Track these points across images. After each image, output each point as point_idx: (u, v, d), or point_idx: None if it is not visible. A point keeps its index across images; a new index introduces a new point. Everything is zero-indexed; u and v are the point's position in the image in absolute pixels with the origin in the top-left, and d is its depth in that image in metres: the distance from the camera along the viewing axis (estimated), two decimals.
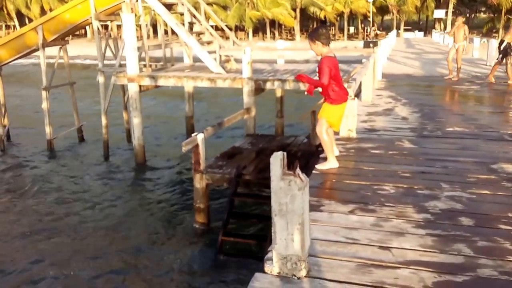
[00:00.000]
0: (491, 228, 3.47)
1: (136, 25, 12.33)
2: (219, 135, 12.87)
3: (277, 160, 2.57)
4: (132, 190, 10.93)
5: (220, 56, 13.60)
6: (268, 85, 11.27)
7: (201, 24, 14.97)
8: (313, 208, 3.71)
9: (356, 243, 3.22)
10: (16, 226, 8.93)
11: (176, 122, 17.03)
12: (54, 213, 9.55)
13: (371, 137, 6.30)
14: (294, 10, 52.95)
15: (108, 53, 13.88)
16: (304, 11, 54.01)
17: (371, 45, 27.94)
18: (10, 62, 14.59)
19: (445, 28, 49.63)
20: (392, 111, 8.19)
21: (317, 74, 4.83)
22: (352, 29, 62.71)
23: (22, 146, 14.82)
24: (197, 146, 7.80)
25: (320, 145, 5.15)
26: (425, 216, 3.69)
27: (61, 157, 13.59)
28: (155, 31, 43.57)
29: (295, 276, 2.73)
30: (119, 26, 14.56)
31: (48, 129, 13.60)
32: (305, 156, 8.62)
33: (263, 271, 2.81)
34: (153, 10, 13.10)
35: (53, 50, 14.29)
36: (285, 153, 2.61)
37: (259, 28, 57.69)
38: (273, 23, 55.48)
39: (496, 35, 46.56)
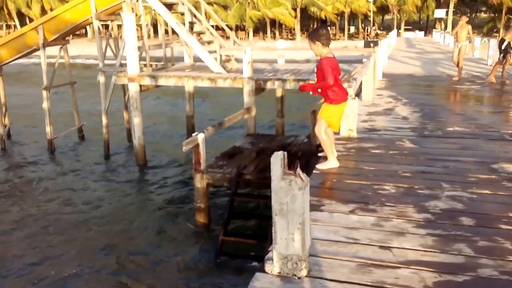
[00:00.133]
0: (492, 228, 3.47)
1: (136, 24, 12.32)
2: (220, 134, 12.87)
3: (277, 160, 2.57)
4: (133, 189, 10.94)
5: (221, 55, 13.60)
6: (269, 85, 11.27)
7: (201, 24, 14.97)
8: (314, 207, 3.71)
9: (357, 243, 3.22)
10: (16, 226, 8.93)
11: (176, 121, 17.03)
12: (54, 212, 9.55)
13: (372, 136, 6.30)
14: (295, 9, 52.94)
15: (109, 53, 13.89)
16: (304, 11, 54.00)
17: (371, 44, 27.95)
18: (11, 61, 14.59)
19: (445, 27, 49.62)
20: (392, 111, 8.19)
21: (315, 74, 4.83)
22: (352, 29, 62.67)
23: (22, 145, 14.83)
24: (197, 145, 7.80)
25: (320, 144, 5.15)
26: (425, 216, 3.69)
27: (62, 156, 13.60)
28: (156, 31, 43.55)
29: (295, 276, 2.73)
30: (119, 26, 14.56)
31: (48, 129, 13.60)
32: (305, 155, 8.61)
33: (263, 271, 2.81)
34: (154, 10, 13.10)
35: (53, 50, 14.30)
36: (285, 153, 2.60)
37: (260, 27, 57.68)
38: (273, 22, 55.47)
39: (497, 35, 46.52)
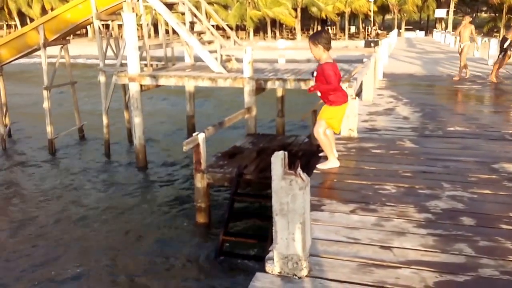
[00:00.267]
0: (493, 228, 3.47)
1: (137, 24, 12.33)
2: (220, 134, 12.87)
3: (278, 159, 2.57)
4: (133, 189, 10.94)
5: (221, 55, 13.60)
6: (269, 85, 11.27)
7: (202, 24, 14.97)
8: (314, 207, 3.71)
9: (357, 243, 3.22)
10: (16, 226, 8.94)
11: (177, 120, 17.03)
12: (54, 212, 9.56)
13: (372, 136, 6.30)
14: (295, 9, 52.94)
15: (109, 53, 13.90)
16: (305, 11, 53.99)
17: (372, 44, 27.97)
18: (12, 61, 14.60)
19: (446, 27, 49.58)
20: (393, 111, 8.18)
21: (314, 78, 4.82)
22: (353, 29, 62.67)
23: (23, 145, 14.85)
24: (198, 145, 7.80)
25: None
26: (426, 215, 3.68)
27: (62, 156, 13.60)
28: (156, 31, 43.54)
29: (296, 275, 2.73)
30: (120, 26, 14.58)
31: (49, 129, 13.60)
32: (306, 155, 8.61)
33: (264, 271, 2.80)
34: (154, 10, 13.11)
35: (54, 50, 14.30)
36: (286, 153, 2.60)
37: (260, 27, 57.68)
38: (274, 22, 55.47)
39: (497, 34, 46.47)
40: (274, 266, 2.77)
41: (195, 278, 6.96)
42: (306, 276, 2.74)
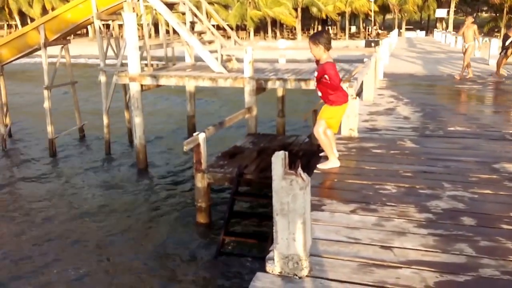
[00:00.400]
0: (493, 228, 3.47)
1: (137, 24, 12.32)
2: (221, 134, 12.88)
3: (278, 159, 2.57)
4: (133, 189, 10.94)
5: (222, 55, 13.60)
6: (270, 85, 11.27)
7: (202, 24, 14.97)
8: (315, 207, 3.71)
9: (358, 243, 3.22)
10: (16, 226, 8.94)
11: (177, 120, 17.04)
12: (55, 213, 9.56)
13: (373, 136, 6.30)
14: (296, 9, 52.92)
15: (110, 53, 13.90)
16: (305, 11, 53.97)
17: (372, 44, 27.95)
18: (12, 61, 14.61)
19: (447, 27, 49.55)
20: (393, 111, 8.18)
21: (315, 78, 4.83)
22: (353, 28, 62.62)
23: (23, 144, 14.85)
24: (198, 145, 7.80)
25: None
26: (427, 215, 3.68)
27: (63, 156, 13.61)
28: (157, 31, 43.56)
29: (296, 275, 2.73)
30: (120, 26, 14.58)
31: (49, 128, 13.60)
32: (306, 155, 8.61)
33: (264, 271, 2.80)
34: (155, 10, 13.11)
35: (55, 50, 14.31)
36: (286, 153, 2.60)
37: (261, 27, 57.66)
38: (274, 22, 55.45)
39: (498, 34, 46.43)
40: (274, 266, 2.77)
41: (195, 278, 6.96)
42: (306, 276, 2.74)
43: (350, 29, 59.17)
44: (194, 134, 7.96)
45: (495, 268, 2.88)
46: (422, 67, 16.13)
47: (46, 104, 13.44)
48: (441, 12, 52.57)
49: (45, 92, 13.41)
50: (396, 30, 39.04)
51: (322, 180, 4.60)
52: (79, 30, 40.46)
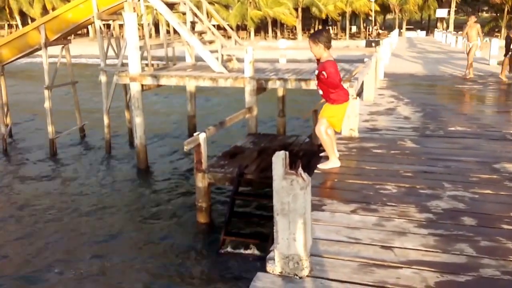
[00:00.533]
0: (494, 228, 3.47)
1: (138, 24, 12.32)
2: (221, 134, 12.89)
3: (279, 159, 2.57)
4: (134, 189, 10.95)
5: (222, 55, 13.61)
6: (270, 84, 11.27)
7: (203, 23, 14.97)
8: (315, 207, 3.71)
9: (358, 243, 3.22)
10: (16, 225, 8.94)
11: (178, 120, 17.04)
12: (55, 213, 9.57)
13: (373, 136, 6.30)
14: (296, 9, 52.91)
15: (111, 53, 13.90)
16: (306, 11, 53.96)
17: (373, 44, 27.93)
18: (13, 61, 14.62)
19: (447, 27, 49.52)
20: (394, 111, 8.18)
21: (316, 77, 4.83)
22: (354, 28, 62.58)
23: (24, 144, 14.85)
24: (199, 145, 7.81)
25: (322, 144, 5.14)
26: (427, 215, 3.68)
27: (63, 156, 13.61)
28: (157, 31, 43.57)
29: (297, 275, 2.73)
30: (121, 26, 14.61)
31: (50, 128, 13.61)
32: (307, 155, 8.61)
33: (265, 271, 2.80)
34: (155, 10, 13.11)
35: (55, 50, 14.32)
36: (287, 153, 2.60)
37: (261, 27, 57.65)
38: (275, 22, 55.46)
39: (499, 34, 46.41)
40: (275, 266, 2.77)
41: (195, 278, 6.97)
42: (307, 276, 2.74)
43: (350, 29, 59.14)
44: (195, 134, 7.96)
45: (495, 268, 2.88)
46: (422, 67, 16.12)
47: (47, 104, 13.45)
48: (441, 12, 52.55)
49: (46, 92, 13.42)
50: (396, 30, 39.03)
51: (322, 180, 4.60)
52: (79, 30, 40.47)
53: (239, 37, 20.78)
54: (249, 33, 57.09)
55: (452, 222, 3.56)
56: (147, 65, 12.58)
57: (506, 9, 47.04)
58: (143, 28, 13.16)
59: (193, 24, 14.75)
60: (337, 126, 5.05)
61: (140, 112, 11.93)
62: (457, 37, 26.15)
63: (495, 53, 16.25)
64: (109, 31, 14.47)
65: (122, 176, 11.84)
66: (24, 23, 57.10)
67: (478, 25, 12.54)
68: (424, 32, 52.83)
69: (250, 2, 53.30)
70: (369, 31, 58.86)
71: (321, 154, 5.25)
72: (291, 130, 14.92)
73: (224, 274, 6.91)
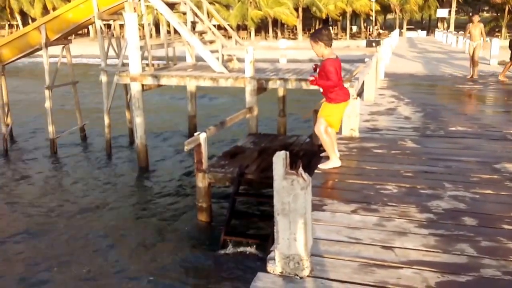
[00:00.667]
0: (494, 228, 3.47)
1: (138, 24, 12.33)
2: (221, 134, 12.88)
3: (279, 159, 2.57)
4: (134, 189, 10.95)
5: (223, 55, 13.61)
6: (271, 84, 11.27)
7: (203, 23, 14.98)
8: (316, 207, 3.71)
9: (359, 243, 3.22)
10: (16, 226, 8.94)
11: (178, 120, 17.04)
12: (56, 212, 9.56)
13: (374, 136, 6.29)
14: (297, 9, 52.92)
15: (111, 53, 13.90)
16: (306, 10, 53.96)
17: (373, 44, 27.89)
18: (13, 61, 14.62)
19: (448, 27, 49.50)
20: (394, 111, 8.17)
21: (317, 75, 4.82)
22: (354, 28, 62.60)
23: (25, 144, 14.85)
24: (199, 145, 7.80)
25: (322, 144, 5.14)
26: (428, 215, 3.68)
27: (64, 156, 13.62)
28: (158, 30, 43.60)
29: (297, 275, 2.73)
30: (121, 26, 14.61)
31: (51, 128, 13.62)
32: (307, 155, 8.61)
33: (265, 271, 2.81)
34: (156, 10, 13.11)
35: (56, 49, 14.32)
36: (287, 153, 2.60)
37: (262, 27, 57.66)
38: (275, 22, 55.46)
39: (499, 34, 46.40)
40: (275, 266, 2.77)
41: (196, 278, 6.97)
42: (307, 276, 2.74)
43: (351, 29, 59.16)
44: (195, 134, 7.96)
45: (496, 268, 2.88)
46: (423, 67, 16.12)
47: (47, 104, 13.45)
48: (442, 12, 52.56)
49: (46, 92, 13.42)
50: (397, 30, 39.02)
51: (323, 180, 4.60)
52: (80, 30, 40.50)
53: (239, 37, 20.79)
54: (250, 33, 57.11)
55: (453, 222, 3.56)
56: (147, 65, 12.58)
57: (506, 9, 47.03)
58: (143, 28, 13.16)
59: (193, 24, 14.75)
60: (335, 125, 5.02)
61: (140, 112, 11.93)
62: (457, 37, 26.13)
63: (495, 53, 16.24)
64: (109, 31, 14.48)
65: (123, 176, 11.84)
66: (25, 23, 57.17)
67: (482, 25, 12.52)
68: (424, 32, 52.83)
69: (251, 2, 53.32)
70: (369, 31, 58.86)
71: (322, 154, 5.24)
72: (291, 130, 14.91)
73: (224, 274, 6.90)
